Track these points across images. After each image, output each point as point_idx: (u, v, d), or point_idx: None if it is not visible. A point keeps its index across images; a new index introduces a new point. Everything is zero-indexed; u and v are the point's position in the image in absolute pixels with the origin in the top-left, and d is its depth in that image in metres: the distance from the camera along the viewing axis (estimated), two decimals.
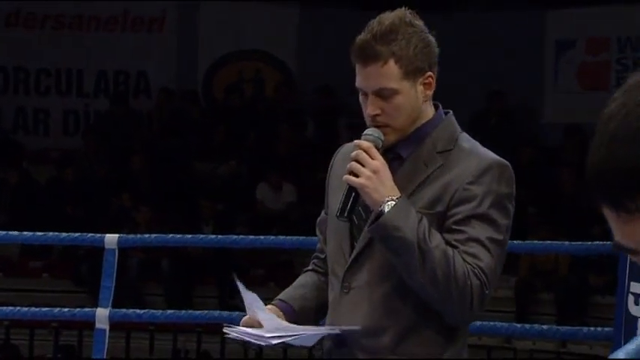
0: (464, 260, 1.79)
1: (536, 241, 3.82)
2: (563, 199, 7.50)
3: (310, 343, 1.88)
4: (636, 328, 2.83)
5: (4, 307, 3.55)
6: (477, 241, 1.80)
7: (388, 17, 1.86)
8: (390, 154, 1.88)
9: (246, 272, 7.71)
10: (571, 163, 7.68)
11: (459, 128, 1.93)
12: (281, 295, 1.98)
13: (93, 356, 3.31)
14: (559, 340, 6.55)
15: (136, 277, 7.54)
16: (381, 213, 1.79)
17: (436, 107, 1.93)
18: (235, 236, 3.44)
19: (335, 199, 1.90)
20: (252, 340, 1.87)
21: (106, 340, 3.27)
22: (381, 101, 1.85)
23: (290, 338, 1.84)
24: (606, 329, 3.14)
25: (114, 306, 3.30)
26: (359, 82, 1.87)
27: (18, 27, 9.03)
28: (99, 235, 3.37)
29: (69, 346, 7.10)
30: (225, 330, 1.88)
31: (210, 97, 8.97)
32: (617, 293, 2.96)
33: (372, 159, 1.82)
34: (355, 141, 1.86)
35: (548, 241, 3.49)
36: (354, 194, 1.83)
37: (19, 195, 8.18)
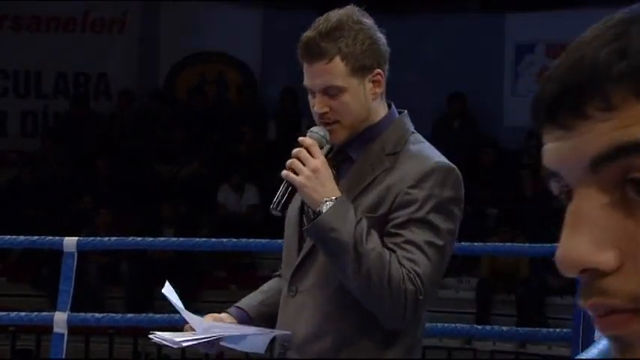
0: (400, 264, 1.76)
1: (497, 243, 3.86)
2: (524, 201, 7.59)
3: (261, 350, 1.85)
4: (594, 329, 2.87)
5: None
6: (415, 245, 1.77)
7: (335, 14, 1.83)
8: (341, 155, 1.87)
9: (209, 275, 7.68)
10: (531, 166, 7.77)
11: (410, 129, 1.90)
12: (239, 302, 1.97)
13: None
14: (519, 341, 6.61)
15: (96, 280, 7.46)
16: (319, 213, 1.77)
17: (389, 106, 1.90)
18: (197, 239, 3.43)
19: (293, 202, 1.88)
20: (166, 343, 1.88)
21: (64, 345, 3.23)
22: (328, 99, 1.83)
23: (202, 340, 1.83)
24: (565, 330, 3.18)
25: (74, 310, 3.26)
26: (306, 81, 1.85)
27: None
28: (58, 237, 3.33)
29: (27, 350, 7.00)
30: (150, 336, 1.90)
31: (171, 99, 8.92)
32: (576, 294, 3.00)
33: (314, 157, 1.79)
34: (299, 138, 1.82)
35: (509, 243, 3.52)
36: (290, 189, 1.80)
37: None
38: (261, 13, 8.71)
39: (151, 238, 3.53)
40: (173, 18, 8.93)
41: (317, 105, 1.83)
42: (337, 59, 1.81)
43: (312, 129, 1.84)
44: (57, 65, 8.90)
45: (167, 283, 1.93)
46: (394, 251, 1.77)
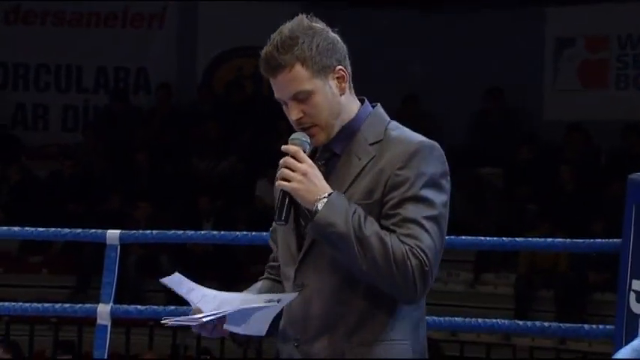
0: (401, 242, 1.86)
1: (536, 239, 3.83)
2: (564, 196, 7.51)
3: (262, 332, 1.90)
4: (638, 326, 2.84)
5: (5, 303, 3.55)
6: (413, 221, 1.87)
7: (287, 26, 1.96)
8: (326, 152, 1.96)
9: (246, 268, 7.72)
10: (571, 161, 7.69)
11: (387, 118, 1.99)
12: (243, 293, 2.01)
13: (94, 352, 3.31)
14: (559, 337, 6.56)
15: (135, 273, 7.54)
16: (315, 212, 1.87)
17: (362, 101, 1.99)
18: (237, 232, 3.45)
19: None
20: (187, 323, 1.91)
21: (108, 337, 3.28)
22: (300, 104, 1.93)
23: (221, 314, 1.87)
24: (607, 327, 3.15)
25: (114, 302, 3.30)
26: (275, 94, 1.96)
27: (18, 23, 9.03)
28: (101, 230, 3.37)
29: (69, 341, 7.10)
30: (162, 321, 1.95)
31: (209, 93, 8.97)
32: (619, 291, 2.97)
33: (300, 162, 1.89)
34: (283, 147, 1.93)
35: (549, 239, 3.49)
36: (288, 198, 1.90)
37: (18, 190, 8.18)
38: (299, 6, 8.72)
39: (192, 232, 3.56)
40: (211, 13, 8.98)
41: (292, 112, 1.94)
42: (297, 66, 1.92)
43: (292, 136, 1.95)
44: (97, 60, 9.00)
45: (176, 274, 1.95)
46: (394, 231, 1.87)
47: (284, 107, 1.97)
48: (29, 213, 7.55)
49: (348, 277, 1.89)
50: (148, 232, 3.52)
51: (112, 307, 3.27)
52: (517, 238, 3.43)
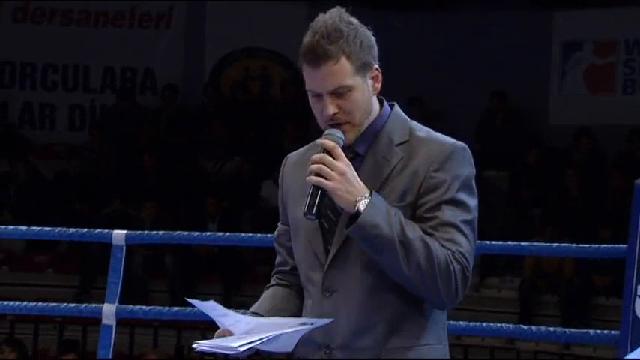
0: (443, 246, 1.83)
1: (542, 243, 3.82)
2: (569, 200, 7.50)
3: (289, 348, 1.84)
4: None
5: (10, 302, 3.56)
6: (452, 225, 1.85)
7: (329, 17, 1.90)
8: (349, 152, 1.89)
9: (251, 269, 7.72)
10: (578, 165, 7.67)
11: (407, 117, 1.96)
12: (253, 307, 1.96)
13: (98, 352, 3.32)
14: (564, 342, 6.55)
15: (141, 273, 7.55)
16: (358, 213, 1.81)
17: (381, 101, 1.96)
18: (243, 234, 3.45)
19: (295, 208, 1.92)
20: (221, 351, 1.83)
21: (113, 336, 3.28)
22: (337, 99, 1.88)
23: (259, 342, 1.81)
24: (612, 332, 3.14)
25: (119, 302, 3.30)
26: (311, 85, 1.89)
27: (26, 22, 9.05)
28: (107, 230, 3.38)
29: (74, 341, 7.12)
30: (194, 345, 1.88)
31: (216, 93, 8.98)
32: (624, 296, 2.96)
33: (337, 160, 1.84)
34: (318, 140, 1.88)
35: (554, 243, 3.49)
36: (320, 192, 1.83)
37: (25, 190, 8.20)
38: (306, 8, 8.73)
39: (197, 233, 3.56)
40: (218, 13, 8.99)
41: (329, 107, 1.87)
42: (343, 59, 1.87)
43: (327, 131, 1.88)
44: (104, 60, 9.01)
45: (211, 301, 1.87)
46: (432, 234, 1.84)
47: (313, 99, 1.90)
48: (36, 212, 7.57)
49: (380, 282, 1.85)
50: (154, 232, 3.52)
51: (117, 307, 3.27)
52: (522, 243, 3.43)
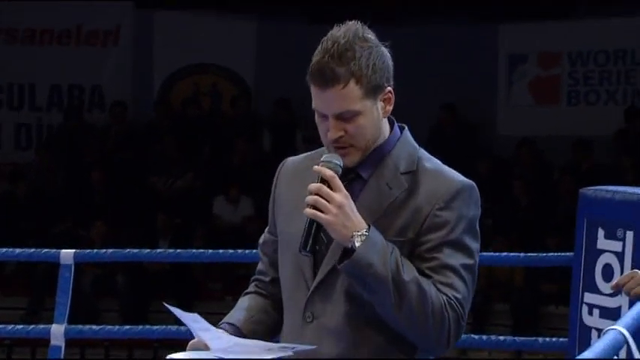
0: (439, 290, 1.75)
1: (493, 253, 3.87)
2: (519, 211, 7.60)
3: None
4: (590, 339, 2.88)
5: None
6: (452, 269, 1.76)
7: (342, 35, 1.78)
8: (351, 174, 1.82)
9: (204, 286, 7.67)
10: (523, 176, 7.79)
11: (416, 145, 1.88)
12: (227, 317, 1.89)
13: None
14: (515, 350, 6.62)
15: (91, 292, 7.45)
16: (352, 249, 1.73)
17: (391, 123, 1.87)
18: (194, 250, 3.43)
19: (287, 222, 1.84)
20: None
21: (62, 357, 3.23)
22: (342, 123, 1.79)
23: (240, 356, 1.75)
24: (561, 339, 3.19)
25: (69, 322, 3.26)
26: (318, 105, 1.80)
27: None
28: (54, 250, 3.33)
29: None
30: (168, 358, 1.82)
31: (165, 110, 8.93)
32: (571, 304, 3.00)
33: (335, 191, 1.75)
34: (315, 167, 1.77)
35: (504, 253, 3.53)
36: (315, 226, 1.76)
37: None
38: (255, 24, 8.74)
39: (147, 250, 3.54)
40: (167, 29, 8.95)
41: (332, 131, 1.78)
42: (352, 83, 1.77)
43: (324, 157, 1.79)
44: (51, 78, 8.90)
45: (196, 315, 1.80)
46: (430, 277, 1.76)
47: (317, 119, 1.80)
48: None
49: (365, 315, 1.77)
50: (103, 251, 3.48)
51: (65, 327, 3.23)
52: None
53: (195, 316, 1.80)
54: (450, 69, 8.33)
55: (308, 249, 1.77)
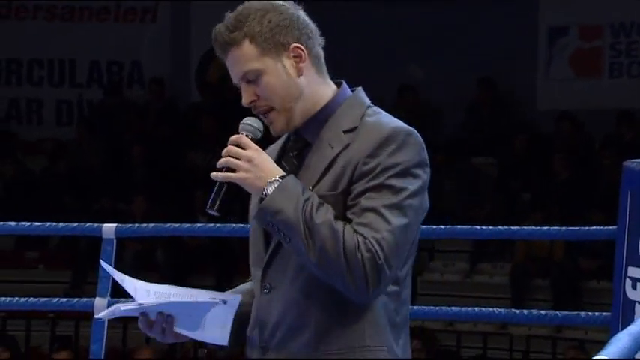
0: (355, 232, 1.67)
1: (532, 227, 3.83)
2: (558, 185, 7.53)
3: (223, 341, 1.73)
4: (634, 313, 2.85)
5: (2, 298, 3.55)
6: (373, 210, 1.68)
7: (242, 4, 1.82)
8: (298, 143, 1.79)
9: (242, 261, 7.73)
10: (563, 150, 7.70)
11: (367, 102, 1.80)
12: (228, 292, 1.86)
13: (91, 347, 3.31)
14: (555, 325, 6.58)
15: (132, 267, 7.54)
16: (265, 197, 1.71)
17: (339, 85, 1.81)
18: (233, 225, 3.45)
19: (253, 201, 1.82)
20: (129, 313, 1.76)
21: (105, 331, 3.28)
22: (251, 86, 1.77)
23: (159, 305, 1.71)
24: (604, 314, 3.16)
25: (111, 296, 3.30)
26: (232, 78, 1.80)
27: (10, 18, 9.00)
28: (96, 224, 3.37)
29: (66, 336, 7.11)
30: (96, 315, 1.85)
31: (203, 86, 8.96)
32: (614, 278, 2.97)
33: (245, 149, 1.74)
34: (230, 138, 1.77)
35: (545, 227, 3.50)
36: (225, 187, 1.75)
37: (13, 186, 8.17)
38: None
39: (188, 225, 3.56)
40: (204, 5, 8.97)
41: (244, 95, 1.78)
42: (245, 43, 1.76)
43: (243, 120, 1.80)
44: (90, 54, 8.98)
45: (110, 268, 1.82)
46: (351, 221, 1.69)
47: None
48: (25, 208, 7.54)
49: (314, 279, 1.71)
50: (144, 225, 3.51)
51: (108, 300, 3.27)
52: (513, 227, 3.44)
53: (111, 268, 1.83)
54: (489, 42, 8.24)
55: (215, 208, 1.76)
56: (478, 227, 3.39)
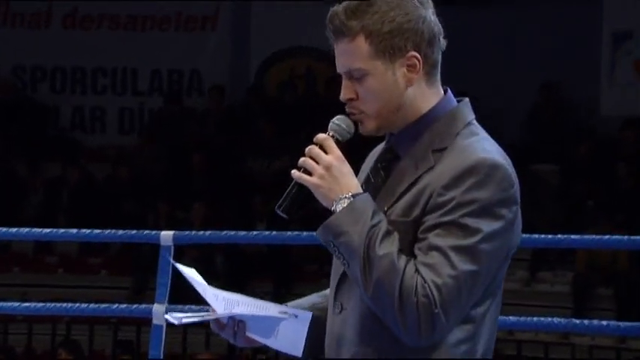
0: (417, 272, 1.52)
1: (592, 236, 3.75)
2: (622, 192, 7.37)
3: (297, 352, 1.65)
4: None
5: (65, 304, 3.62)
6: (439, 250, 1.51)
7: None
8: (389, 154, 1.64)
9: (300, 268, 7.74)
10: (628, 157, 7.53)
11: (468, 119, 1.61)
12: (291, 303, 1.75)
13: (150, 352, 3.35)
14: (619, 336, 6.44)
15: None
16: (333, 214, 1.56)
17: (444, 93, 1.63)
18: (290, 232, 3.45)
19: None
20: (199, 319, 1.71)
21: (163, 336, 3.31)
22: (354, 84, 1.61)
23: (232, 313, 1.66)
24: None
25: (171, 302, 3.34)
26: (336, 63, 1.64)
27: (75, 28, 9.20)
28: (155, 231, 3.41)
29: (128, 341, 7.21)
30: (167, 317, 1.75)
31: (262, 94, 9.03)
32: None
33: (327, 153, 1.58)
34: (316, 136, 1.61)
35: (607, 236, 3.42)
36: (299, 189, 1.60)
37: (78, 193, 8.33)
38: None
39: (244, 232, 3.57)
40: (264, 14, 9.03)
41: (343, 90, 1.62)
42: (360, 38, 1.58)
43: (334, 119, 1.64)
44: (152, 63, 9.12)
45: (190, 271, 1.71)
46: (416, 257, 1.54)
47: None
48: (89, 215, 7.69)
49: None
50: (202, 232, 3.54)
51: (167, 307, 3.30)
52: (572, 236, 3.37)
53: (193, 272, 1.74)
54: (552, 47, 8.12)
55: (282, 209, 1.62)
56: (537, 235, 3.33)
